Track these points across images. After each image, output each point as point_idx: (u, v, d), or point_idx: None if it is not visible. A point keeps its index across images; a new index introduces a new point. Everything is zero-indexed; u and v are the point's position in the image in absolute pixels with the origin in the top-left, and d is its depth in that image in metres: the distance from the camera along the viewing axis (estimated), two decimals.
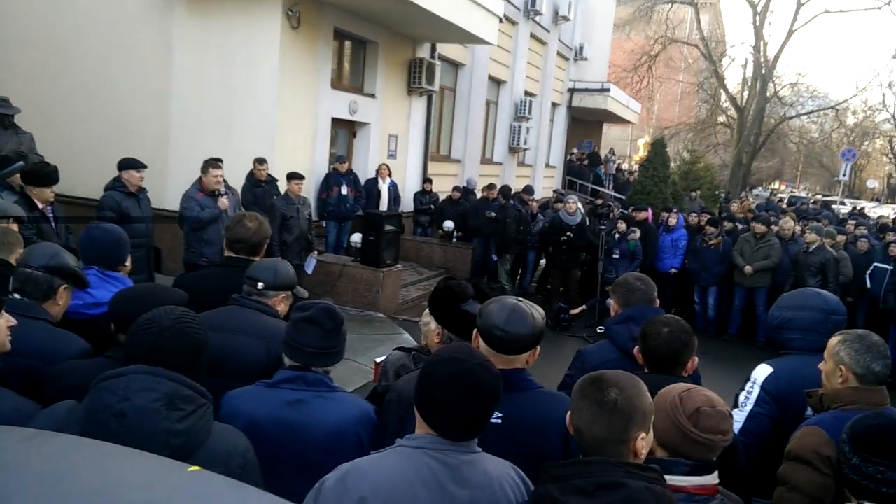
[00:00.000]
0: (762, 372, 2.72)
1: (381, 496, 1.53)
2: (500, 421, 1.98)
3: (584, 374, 2.73)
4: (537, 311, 2.07)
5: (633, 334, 2.66)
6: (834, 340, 2.40)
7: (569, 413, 1.63)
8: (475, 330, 2.09)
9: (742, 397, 2.74)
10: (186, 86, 8.62)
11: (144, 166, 5.96)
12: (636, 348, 2.52)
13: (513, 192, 10.93)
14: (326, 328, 2.16)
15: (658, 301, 3.03)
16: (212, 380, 2.10)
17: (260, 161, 7.95)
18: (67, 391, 1.97)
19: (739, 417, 2.69)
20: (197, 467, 1.34)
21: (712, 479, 1.79)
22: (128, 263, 2.96)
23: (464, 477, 1.58)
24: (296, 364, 2.17)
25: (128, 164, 5.89)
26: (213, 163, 6.35)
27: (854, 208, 22.82)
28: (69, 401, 1.79)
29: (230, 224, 3.14)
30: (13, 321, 2.05)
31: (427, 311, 2.56)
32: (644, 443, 1.58)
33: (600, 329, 2.61)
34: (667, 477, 1.74)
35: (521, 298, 2.10)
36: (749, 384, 2.74)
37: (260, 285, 2.58)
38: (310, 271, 7.59)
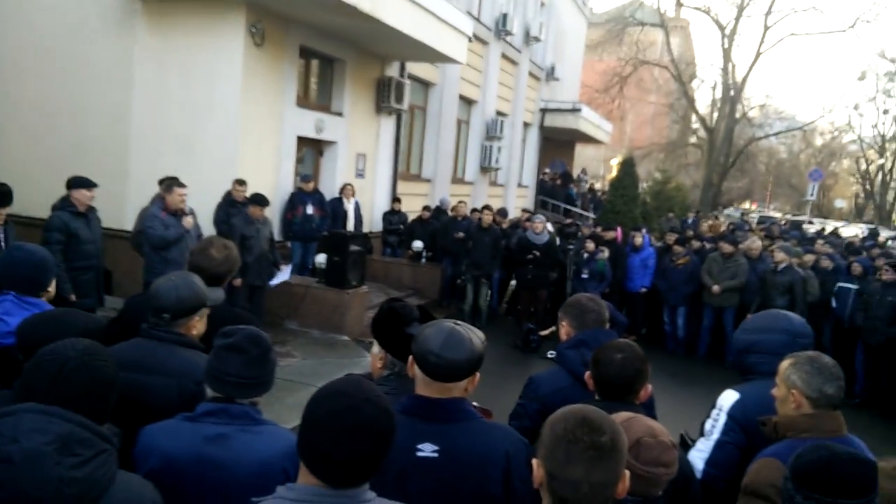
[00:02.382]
0: (728, 398, 2.60)
1: None
2: (436, 455, 1.86)
3: (537, 401, 2.67)
4: (476, 336, 1.94)
5: (585, 359, 2.55)
6: (785, 364, 2.30)
7: (542, 462, 1.43)
8: (410, 357, 1.96)
9: (708, 425, 2.62)
10: (146, 103, 8.43)
11: (95, 185, 5.76)
12: (587, 374, 2.41)
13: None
14: (251, 355, 2.00)
15: (609, 323, 2.93)
16: (118, 426, 1.95)
17: (240, 182, 7.79)
18: None
19: (706, 447, 2.57)
20: None
21: None
22: (51, 289, 2.78)
23: None
24: (219, 396, 2.01)
25: (78, 182, 5.68)
26: (177, 181, 6.19)
27: (823, 228, 23.19)
28: None
29: (194, 250, 3.00)
30: None
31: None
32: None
33: (551, 354, 2.52)
34: None
35: (459, 322, 1.98)
36: (715, 411, 2.62)
37: (166, 316, 2.38)
38: (276, 282, 7.33)
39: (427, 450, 1.86)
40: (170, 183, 6.15)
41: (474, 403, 2.10)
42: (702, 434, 2.65)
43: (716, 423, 2.59)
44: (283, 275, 7.46)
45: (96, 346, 1.73)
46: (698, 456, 2.58)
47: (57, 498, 1.42)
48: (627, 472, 1.45)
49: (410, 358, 1.95)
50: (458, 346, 1.87)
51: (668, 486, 1.83)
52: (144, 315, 2.48)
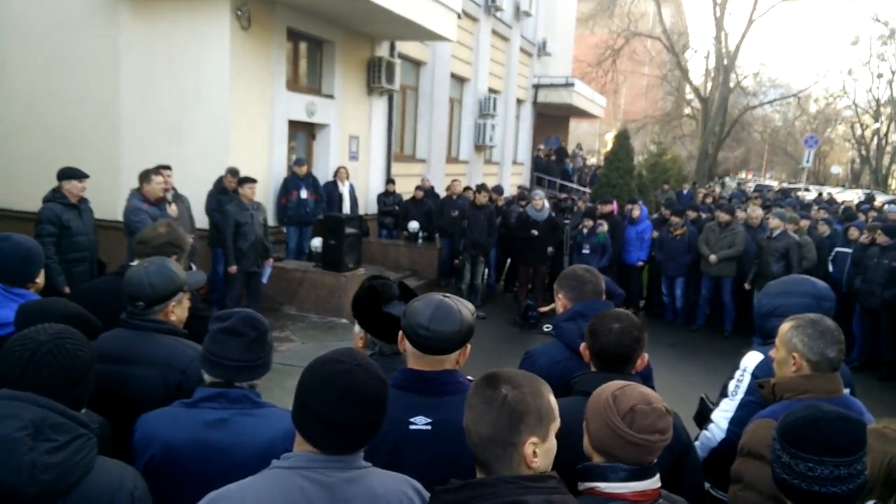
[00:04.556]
0: (753, 359, 2.63)
1: None
2: (429, 427, 1.86)
3: None
4: (465, 307, 1.92)
5: (582, 331, 2.50)
6: (786, 326, 2.30)
7: None
8: (400, 332, 1.95)
9: (732, 386, 2.65)
10: (134, 92, 8.36)
11: (86, 176, 5.73)
12: (582, 345, 2.40)
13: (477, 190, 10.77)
14: (249, 338, 1.98)
15: (606, 295, 2.91)
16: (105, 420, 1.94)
17: (233, 173, 7.73)
18: None
19: (730, 407, 2.60)
20: None
21: (653, 483, 1.67)
22: (39, 280, 2.75)
23: (344, 497, 1.43)
24: (216, 380, 1.99)
25: (69, 174, 5.65)
26: (155, 170, 6.14)
27: (819, 194, 23.17)
28: None
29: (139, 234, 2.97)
30: None
31: None
32: (537, 450, 1.43)
33: (548, 328, 2.51)
34: (604, 484, 1.63)
35: (447, 294, 1.96)
36: (739, 372, 2.64)
37: (140, 304, 2.33)
38: (265, 280, 7.40)
39: (420, 423, 1.86)
40: (147, 172, 6.07)
41: (468, 377, 2.09)
42: (724, 395, 2.67)
43: (740, 383, 2.62)
44: (267, 272, 7.45)
45: (69, 329, 1.69)
46: (722, 416, 2.61)
47: (31, 483, 1.40)
48: (539, 441, 1.43)
49: (401, 332, 1.94)
50: (447, 318, 1.86)
51: (666, 456, 1.83)
52: (100, 301, 2.44)
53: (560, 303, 2.84)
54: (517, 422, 1.42)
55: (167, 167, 6.49)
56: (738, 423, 2.52)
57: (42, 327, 1.65)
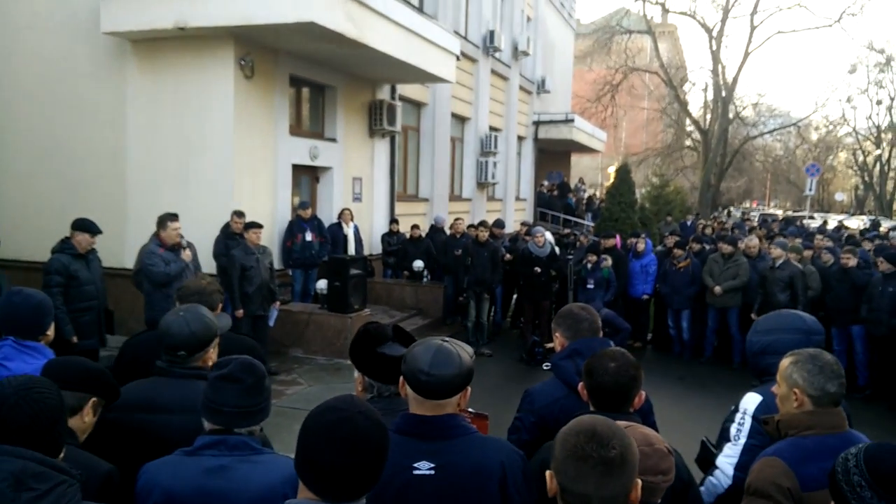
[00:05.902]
0: (751, 401, 2.59)
1: None
2: (432, 472, 1.87)
3: (533, 414, 2.67)
4: (464, 351, 1.95)
5: (579, 369, 2.53)
6: (785, 362, 2.28)
7: (553, 475, 1.47)
8: (401, 377, 1.98)
9: (734, 430, 2.60)
10: (141, 142, 8.54)
11: (100, 232, 5.79)
12: (580, 384, 2.41)
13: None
14: (246, 384, 2.00)
15: (612, 330, 2.93)
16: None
17: (238, 214, 7.85)
18: None
19: (734, 452, 2.56)
20: None
21: None
22: (50, 332, 2.80)
23: None
24: (216, 427, 2.01)
25: (83, 226, 5.70)
26: (171, 216, 6.25)
27: (824, 222, 23.16)
28: None
29: (185, 283, 3.03)
30: None
31: None
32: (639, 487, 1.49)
33: (546, 366, 2.54)
34: None
35: (446, 339, 2.00)
36: (739, 416, 2.60)
37: (182, 353, 2.36)
38: (272, 323, 7.45)
39: (423, 468, 1.87)
40: (163, 218, 6.20)
41: (469, 409, 2.09)
42: (726, 439, 2.64)
43: (741, 426, 2.58)
44: (273, 315, 7.50)
45: (34, 378, 1.72)
46: (727, 462, 2.58)
47: None
48: (639, 481, 1.47)
49: (401, 378, 1.97)
50: (447, 363, 1.88)
51: (667, 493, 1.83)
52: (146, 355, 2.44)
53: (558, 341, 2.86)
54: (633, 474, 1.45)
55: (174, 215, 6.58)
56: (743, 468, 2.48)
57: (8, 380, 1.68)
